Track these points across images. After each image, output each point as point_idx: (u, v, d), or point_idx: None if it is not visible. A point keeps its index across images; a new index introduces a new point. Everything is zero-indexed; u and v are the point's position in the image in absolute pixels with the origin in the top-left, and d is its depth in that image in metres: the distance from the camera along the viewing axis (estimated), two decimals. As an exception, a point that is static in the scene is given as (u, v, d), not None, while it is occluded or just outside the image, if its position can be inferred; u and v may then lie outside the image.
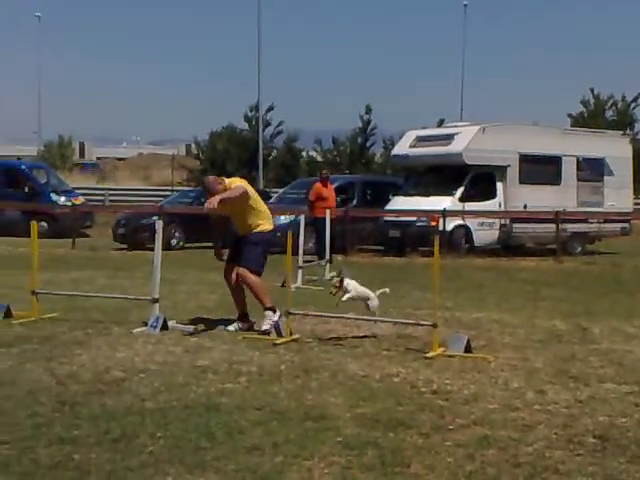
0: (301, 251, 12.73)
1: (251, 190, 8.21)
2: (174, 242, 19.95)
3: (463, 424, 4.98)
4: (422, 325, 7.77)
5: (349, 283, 7.98)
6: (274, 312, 8.11)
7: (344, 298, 7.95)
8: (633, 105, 40.47)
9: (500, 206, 19.37)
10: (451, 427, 4.91)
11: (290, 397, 5.55)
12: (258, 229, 8.20)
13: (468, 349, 7.05)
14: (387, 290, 8.35)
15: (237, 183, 8.18)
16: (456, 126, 21.00)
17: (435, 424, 4.96)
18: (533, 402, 5.52)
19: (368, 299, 8.09)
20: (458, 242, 18.39)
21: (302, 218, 14.03)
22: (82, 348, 7.12)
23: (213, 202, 7.70)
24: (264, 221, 8.27)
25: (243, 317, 8.29)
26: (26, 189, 25.08)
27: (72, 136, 59.55)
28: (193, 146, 40.65)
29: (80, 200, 25.88)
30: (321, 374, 6.24)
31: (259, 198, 8.42)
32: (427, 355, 6.92)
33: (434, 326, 7.17)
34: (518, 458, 4.37)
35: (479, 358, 6.88)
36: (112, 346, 7.21)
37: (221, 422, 4.91)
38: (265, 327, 8.03)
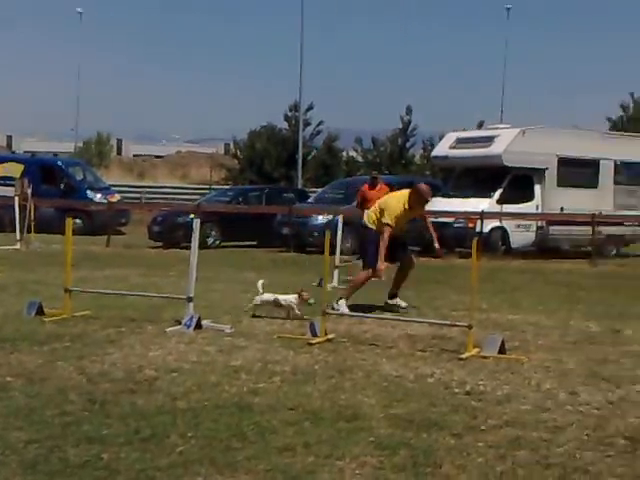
0: (338, 251, 12.73)
1: (393, 205, 9.47)
2: (210, 241, 19.98)
3: (495, 425, 4.97)
4: (457, 326, 7.78)
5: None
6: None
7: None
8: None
9: (537, 208, 19.27)
10: (483, 428, 4.91)
11: (323, 397, 5.56)
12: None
13: (502, 350, 7.04)
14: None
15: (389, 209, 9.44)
16: (496, 128, 20.96)
17: (468, 425, 4.96)
18: (565, 403, 5.51)
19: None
20: (495, 244, 18.32)
21: (340, 218, 14.01)
22: (114, 346, 7.14)
23: (383, 268, 9.26)
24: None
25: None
26: (62, 186, 25.34)
27: (110, 133, 60.12)
28: (232, 145, 40.76)
29: (116, 197, 26.05)
30: (355, 374, 6.25)
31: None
32: (461, 356, 6.91)
33: (469, 327, 7.17)
34: (549, 459, 4.36)
35: (513, 359, 6.86)
36: (145, 345, 7.22)
37: (253, 422, 4.92)
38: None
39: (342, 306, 9.26)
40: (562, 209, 19.10)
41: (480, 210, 18.06)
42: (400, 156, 38.16)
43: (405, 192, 9.66)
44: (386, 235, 9.27)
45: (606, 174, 20.21)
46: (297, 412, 5.18)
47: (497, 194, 18.81)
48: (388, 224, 9.30)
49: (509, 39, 53.14)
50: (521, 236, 19.05)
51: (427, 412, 5.22)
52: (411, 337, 7.88)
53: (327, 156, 37.96)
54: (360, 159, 39.09)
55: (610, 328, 8.59)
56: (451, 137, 20.97)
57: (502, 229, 18.73)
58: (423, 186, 9.72)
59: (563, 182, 19.37)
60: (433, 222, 18.49)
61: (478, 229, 17.71)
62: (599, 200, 19.65)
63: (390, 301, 9.75)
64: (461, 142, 20.32)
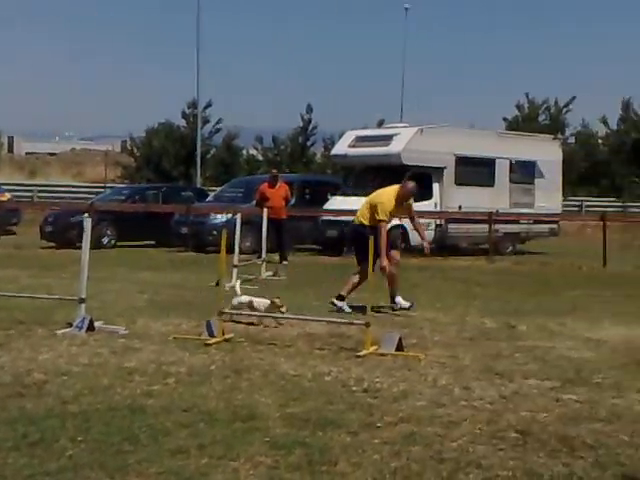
0: (237, 250, 12.63)
1: (385, 200, 9.65)
2: (105, 240, 19.57)
3: (391, 421, 4.99)
4: (355, 324, 7.79)
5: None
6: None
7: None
8: (565, 110, 41.50)
9: (436, 207, 19.59)
10: (379, 425, 4.92)
11: (219, 398, 5.48)
12: None
13: (400, 347, 7.09)
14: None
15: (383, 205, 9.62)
16: (395, 127, 21.19)
17: (364, 422, 4.96)
18: (459, 398, 5.58)
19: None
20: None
21: (238, 217, 13.91)
22: (2, 350, 6.88)
23: (386, 264, 9.42)
24: None
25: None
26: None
27: (1, 131, 58.00)
28: (128, 142, 40.03)
29: (6, 196, 25.17)
30: (252, 374, 6.19)
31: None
32: (359, 354, 6.93)
33: (367, 325, 7.21)
34: (442, 454, 4.40)
35: (410, 356, 6.92)
36: (34, 348, 6.98)
37: (146, 424, 4.81)
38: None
39: (401, 301, 9.60)
40: (460, 207, 19.50)
41: (379, 208, 18.20)
42: (301, 154, 38.32)
43: (394, 188, 9.86)
44: (383, 231, 9.46)
45: (502, 173, 20.76)
46: (192, 413, 5.09)
47: (396, 193, 19.00)
48: (383, 220, 9.50)
49: (408, 39, 54.76)
50: (420, 234, 19.30)
51: (324, 410, 5.20)
52: (310, 336, 7.86)
53: (227, 154, 37.78)
54: (260, 157, 39.04)
55: (505, 324, 8.78)
56: (350, 136, 21.08)
57: (401, 227, 18.90)
58: (410, 183, 10.00)
59: (461, 181, 19.78)
60: (332, 220, 19.00)
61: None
62: (496, 198, 20.17)
63: (338, 302, 9.60)
64: (360, 141, 20.47)
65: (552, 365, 6.72)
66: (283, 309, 8.40)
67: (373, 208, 9.67)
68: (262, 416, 5.04)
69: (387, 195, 9.77)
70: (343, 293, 9.61)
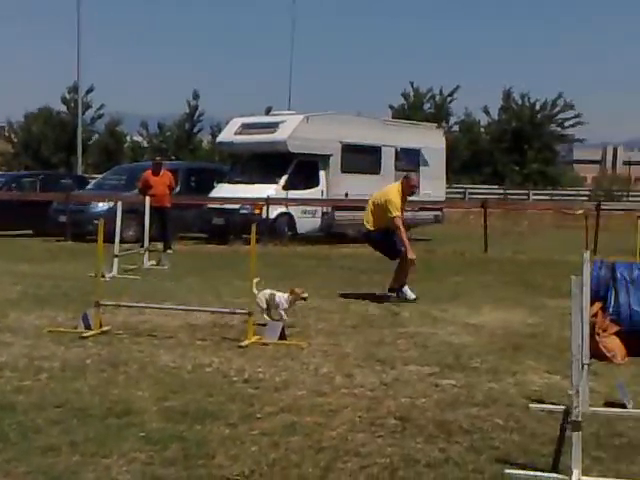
0: (117, 239, 12.28)
1: (392, 198, 9.93)
2: (-22, 230, 18.76)
3: (271, 412, 4.94)
4: (237, 314, 7.68)
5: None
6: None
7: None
8: (449, 99, 42.54)
9: (323, 194, 19.63)
10: (259, 416, 4.86)
11: (93, 393, 5.31)
12: None
13: (283, 336, 7.05)
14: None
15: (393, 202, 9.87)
16: (281, 114, 21.07)
17: (243, 413, 4.89)
18: (341, 386, 5.59)
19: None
20: (281, 230, 18.49)
21: (120, 205, 13.53)
22: None
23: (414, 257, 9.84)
24: None
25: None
26: None
27: None
28: (6, 128, 38.57)
29: None
30: (130, 367, 6.03)
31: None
32: (241, 344, 6.85)
33: (249, 314, 7.11)
34: (322, 443, 4.38)
35: (293, 345, 6.89)
36: None
37: (15, 422, 4.63)
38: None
39: (407, 291, 9.76)
40: (347, 195, 19.59)
41: (266, 196, 18.14)
42: (187, 141, 37.88)
43: (395, 185, 10.32)
44: (401, 225, 9.85)
45: (387, 160, 20.94)
46: (64, 410, 4.93)
47: (283, 180, 18.94)
48: (397, 215, 9.84)
49: (296, 25, 55.15)
50: (307, 222, 19.34)
51: (202, 402, 5.11)
52: (192, 326, 7.73)
53: (110, 141, 36.96)
54: (146, 144, 38.39)
55: (389, 311, 8.88)
56: (236, 123, 20.84)
57: (288, 215, 18.91)
58: (414, 176, 10.84)
59: (347, 168, 19.84)
60: (218, 208, 18.81)
61: (265, 215, 17.79)
62: (382, 186, 20.16)
63: (392, 294, 9.84)
64: (246, 128, 20.27)
65: (433, 351, 6.82)
66: (304, 295, 7.90)
67: (381, 208, 9.98)
68: (138, 411, 4.91)
69: (393, 192, 10.08)
70: (395, 285, 9.86)
